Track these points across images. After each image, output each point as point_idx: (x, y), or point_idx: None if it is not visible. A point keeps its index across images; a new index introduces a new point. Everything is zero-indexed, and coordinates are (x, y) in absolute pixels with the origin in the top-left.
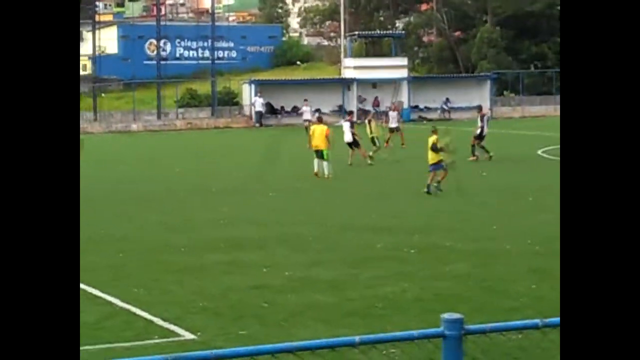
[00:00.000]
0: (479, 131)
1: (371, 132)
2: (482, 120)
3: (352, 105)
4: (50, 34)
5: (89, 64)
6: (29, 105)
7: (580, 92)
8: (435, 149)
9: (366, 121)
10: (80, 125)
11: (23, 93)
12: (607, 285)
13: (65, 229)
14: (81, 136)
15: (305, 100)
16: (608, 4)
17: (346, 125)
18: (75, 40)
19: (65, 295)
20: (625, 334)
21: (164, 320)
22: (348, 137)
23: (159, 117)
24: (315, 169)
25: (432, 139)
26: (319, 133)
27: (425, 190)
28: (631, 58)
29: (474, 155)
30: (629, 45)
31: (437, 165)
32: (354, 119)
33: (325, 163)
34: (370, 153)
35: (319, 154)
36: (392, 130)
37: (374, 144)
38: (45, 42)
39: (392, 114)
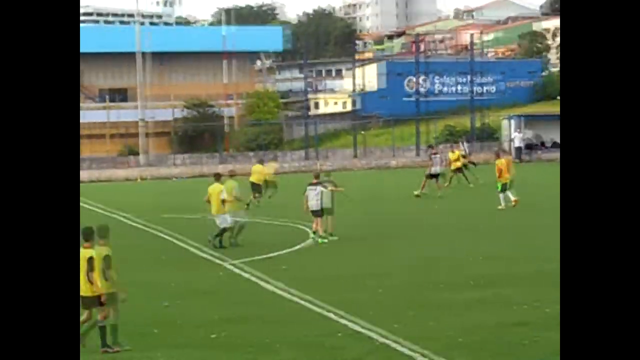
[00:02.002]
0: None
1: None
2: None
3: None
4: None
5: (349, 101)
6: (31, 113)
7: (580, 94)
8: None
9: None
10: (341, 162)
11: (24, 103)
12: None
13: (65, 228)
14: (336, 173)
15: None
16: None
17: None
18: (75, 47)
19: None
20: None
21: (423, 356)
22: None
23: (417, 153)
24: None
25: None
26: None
27: None
28: (630, 60)
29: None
30: (628, 48)
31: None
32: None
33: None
34: None
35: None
36: None
37: None
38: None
39: None
